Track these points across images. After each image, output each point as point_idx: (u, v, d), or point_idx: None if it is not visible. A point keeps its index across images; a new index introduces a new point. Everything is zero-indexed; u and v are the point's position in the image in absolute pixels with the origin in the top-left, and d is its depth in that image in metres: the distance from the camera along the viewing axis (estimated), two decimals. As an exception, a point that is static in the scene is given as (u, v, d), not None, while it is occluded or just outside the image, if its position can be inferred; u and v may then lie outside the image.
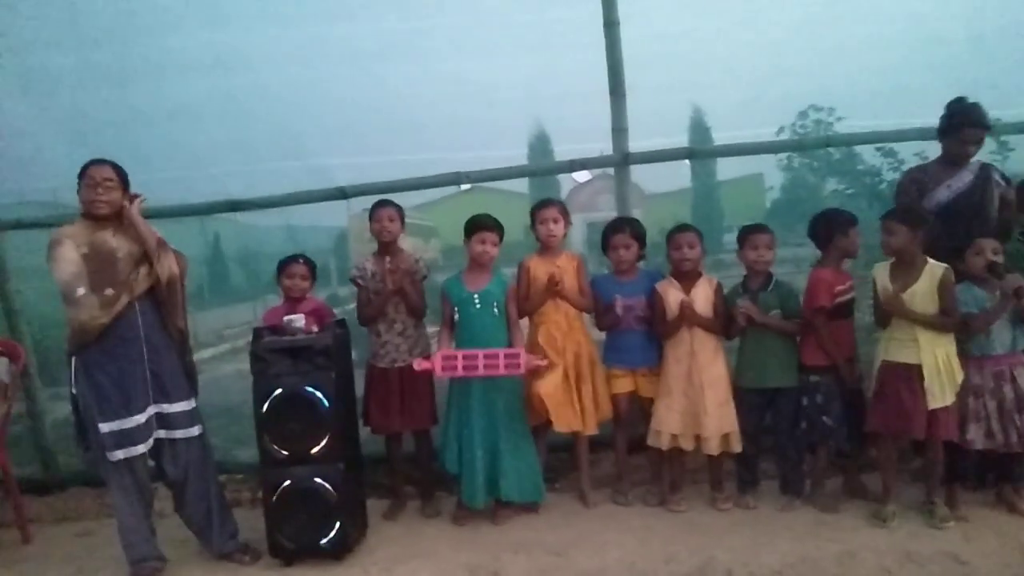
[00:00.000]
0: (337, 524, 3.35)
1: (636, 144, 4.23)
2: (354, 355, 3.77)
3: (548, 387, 3.59)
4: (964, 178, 3.61)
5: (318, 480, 3.34)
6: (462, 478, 3.68)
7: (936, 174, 3.66)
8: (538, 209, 3.82)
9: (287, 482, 3.34)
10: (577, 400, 3.71)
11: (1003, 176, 3.67)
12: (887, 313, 3.32)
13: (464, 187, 4.62)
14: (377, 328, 3.82)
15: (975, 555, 3.02)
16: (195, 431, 3.36)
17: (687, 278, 3.69)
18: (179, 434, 3.31)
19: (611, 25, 4.15)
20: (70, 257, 3.08)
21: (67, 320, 3.11)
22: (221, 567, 3.45)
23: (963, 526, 3.28)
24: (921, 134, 4.15)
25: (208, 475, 3.43)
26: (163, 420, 3.27)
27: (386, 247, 3.86)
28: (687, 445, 3.65)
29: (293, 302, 3.84)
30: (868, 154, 6.09)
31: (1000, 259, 3.24)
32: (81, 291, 3.07)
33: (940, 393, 3.21)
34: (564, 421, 3.65)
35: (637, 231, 3.79)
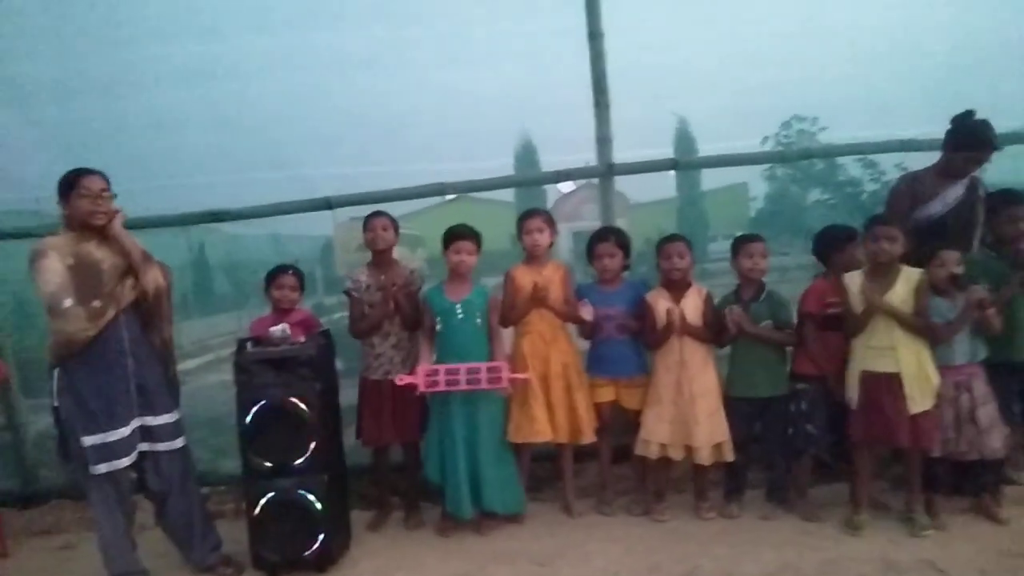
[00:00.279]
0: (321, 536, 3.34)
1: (622, 154, 4.29)
2: (339, 365, 3.76)
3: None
4: (957, 191, 3.64)
5: (302, 492, 3.33)
6: (446, 488, 3.68)
7: (931, 185, 3.67)
8: (523, 219, 3.84)
9: (270, 494, 3.33)
10: (565, 410, 3.72)
11: (987, 189, 3.71)
12: (862, 321, 3.36)
13: (449, 197, 4.64)
14: (371, 340, 3.81)
15: (953, 562, 3.05)
16: (178, 443, 3.34)
17: (677, 287, 3.71)
18: (162, 447, 3.29)
19: (595, 37, 4.20)
20: (56, 268, 3.05)
21: (51, 332, 3.07)
22: (203, 580, 3.42)
23: (941, 534, 3.32)
24: (902, 146, 4.22)
25: (190, 487, 3.41)
26: (147, 433, 3.24)
27: (380, 257, 3.86)
28: (676, 455, 3.66)
29: (282, 313, 3.83)
30: (850, 165, 6.19)
31: (962, 271, 3.31)
32: (68, 302, 3.03)
33: (920, 398, 3.26)
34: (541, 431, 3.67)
35: (622, 240, 3.82)
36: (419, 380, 3.51)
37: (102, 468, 3.10)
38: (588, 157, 4.35)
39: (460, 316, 3.65)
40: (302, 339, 3.52)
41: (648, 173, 4.46)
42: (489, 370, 3.51)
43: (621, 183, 4.45)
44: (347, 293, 3.85)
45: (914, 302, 3.29)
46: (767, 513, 3.67)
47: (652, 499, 3.81)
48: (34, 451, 4.56)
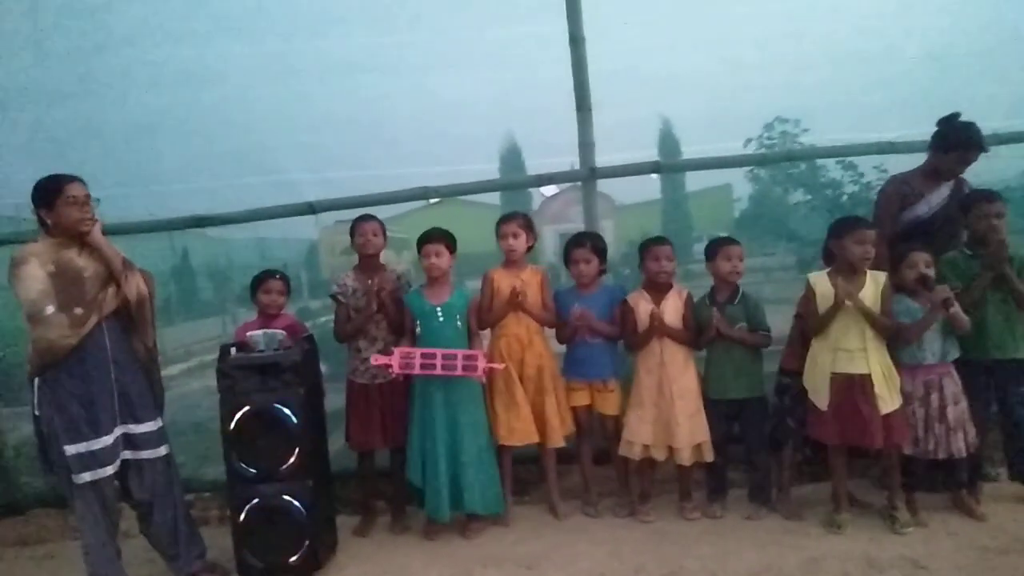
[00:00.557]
0: (306, 542, 3.34)
1: (607, 157, 4.30)
2: (324, 369, 3.75)
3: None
4: (942, 193, 3.68)
5: (287, 497, 3.33)
6: (425, 491, 3.68)
7: (919, 187, 3.71)
8: (500, 223, 3.85)
9: (255, 500, 3.33)
10: (541, 413, 3.74)
11: (971, 189, 3.73)
12: (827, 319, 3.38)
13: (433, 201, 4.64)
14: (357, 344, 3.81)
15: (933, 559, 3.10)
16: (162, 451, 3.33)
17: (658, 290, 3.73)
18: (146, 454, 3.27)
19: (576, 41, 4.22)
20: (37, 275, 3.02)
21: (32, 340, 3.04)
22: (188, 587, 3.40)
23: (922, 531, 3.37)
24: (880, 148, 4.26)
25: (174, 495, 3.39)
26: (130, 441, 3.23)
27: (367, 261, 3.86)
28: (659, 456, 3.69)
29: (268, 318, 3.82)
30: (830, 166, 6.24)
31: (931, 272, 3.36)
32: (50, 309, 3.00)
33: (889, 398, 3.32)
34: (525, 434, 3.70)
35: (597, 245, 3.83)
36: (394, 361, 3.51)
37: (86, 477, 3.08)
38: (573, 160, 4.37)
39: (440, 319, 3.66)
40: (290, 344, 3.51)
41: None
42: (465, 358, 3.53)
43: (607, 185, 4.48)
44: (333, 297, 3.85)
45: (881, 304, 3.34)
46: (750, 513, 3.70)
47: (637, 500, 3.83)
48: (15, 459, 4.51)
